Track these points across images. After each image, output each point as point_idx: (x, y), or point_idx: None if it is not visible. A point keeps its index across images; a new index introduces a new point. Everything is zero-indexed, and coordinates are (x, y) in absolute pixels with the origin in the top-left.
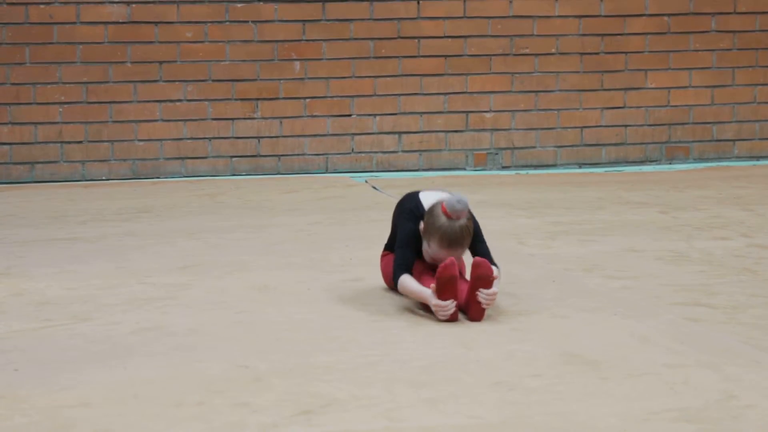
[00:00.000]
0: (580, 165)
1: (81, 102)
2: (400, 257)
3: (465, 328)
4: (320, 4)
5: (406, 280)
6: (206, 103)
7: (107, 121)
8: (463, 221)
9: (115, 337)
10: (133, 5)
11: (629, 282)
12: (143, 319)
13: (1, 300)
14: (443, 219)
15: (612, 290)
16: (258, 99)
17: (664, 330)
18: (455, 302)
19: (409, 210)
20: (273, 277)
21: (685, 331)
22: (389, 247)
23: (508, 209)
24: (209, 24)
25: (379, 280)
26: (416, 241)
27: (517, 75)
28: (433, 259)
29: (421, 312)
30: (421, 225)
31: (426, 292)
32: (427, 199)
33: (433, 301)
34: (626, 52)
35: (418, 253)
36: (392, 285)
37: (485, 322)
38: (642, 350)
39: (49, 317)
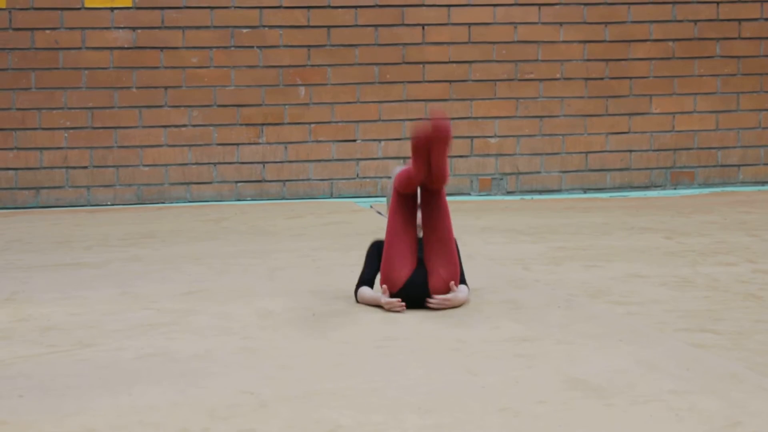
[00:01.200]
0: (585, 190)
1: (86, 127)
2: (361, 275)
3: (470, 354)
4: (325, 29)
5: (363, 292)
6: (211, 128)
7: (112, 147)
8: None
9: (120, 363)
10: (139, 31)
11: (634, 308)
12: (148, 344)
13: (6, 325)
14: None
15: (617, 316)
16: (263, 124)
17: (669, 356)
18: (402, 304)
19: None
20: (278, 303)
21: (690, 357)
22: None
23: (512, 234)
24: (214, 49)
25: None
26: (377, 255)
27: (521, 100)
28: (410, 176)
29: (427, 338)
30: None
31: (378, 296)
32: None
33: (383, 300)
34: (631, 78)
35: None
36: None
37: (490, 348)
38: (647, 376)
39: (54, 343)
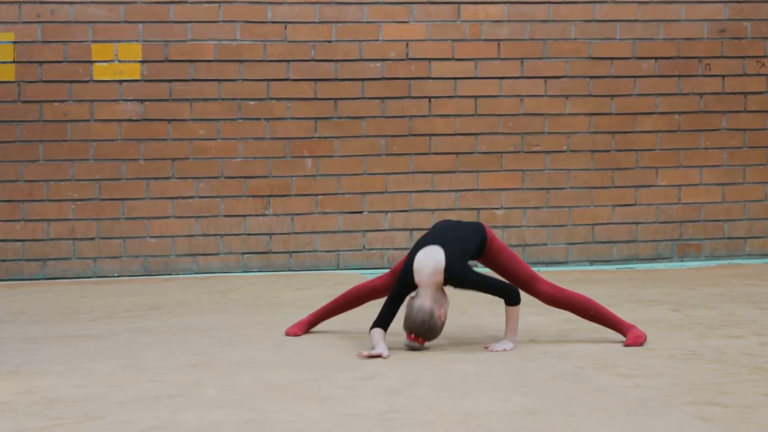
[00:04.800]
0: (592, 262)
1: (93, 199)
2: (382, 311)
3: (477, 427)
4: (332, 101)
5: (373, 334)
6: (218, 199)
7: (119, 218)
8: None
9: None
10: (147, 103)
11: (642, 380)
12: (154, 417)
13: (11, 398)
14: (405, 337)
15: (624, 389)
16: (270, 196)
17: (676, 429)
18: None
19: (403, 271)
20: (284, 375)
21: (697, 430)
22: None
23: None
24: (222, 121)
25: (390, 378)
26: (400, 299)
27: (528, 172)
28: None
29: (433, 410)
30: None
31: (377, 347)
32: (419, 264)
33: (375, 352)
34: (637, 150)
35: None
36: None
37: (497, 421)
38: None
39: (59, 415)
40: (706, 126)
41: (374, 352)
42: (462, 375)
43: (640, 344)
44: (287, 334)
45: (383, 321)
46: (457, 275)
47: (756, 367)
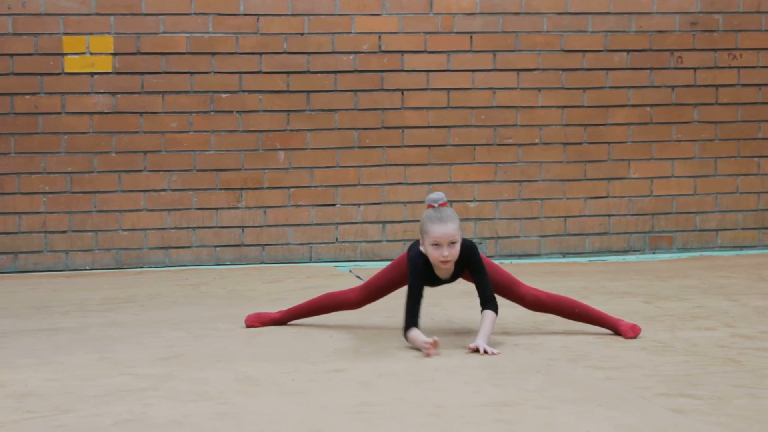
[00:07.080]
0: (564, 254)
1: (65, 192)
2: (410, 311)
3: (450, 420)
4: (304, 94)
5: (413, 334)
6: (190, 192)
7: (91, 211)
8: (445, 208)
9: (98, 429)
10: (119, 95)
11: (613, 372)
12: (126, 410)
13: None
14: (429, 211)
15: (596, 381)
16: (242, 189)
17: (648, 421)
18: (437, 343)
19: (411, 258)
20: (256, 368)
21: (669, 422)
22: None
23: None
24: (194, 114)
25: (362, 371)
26: (422, 281)
27: (500, 165)
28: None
29: (406, 403)
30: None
31: (423, 340)
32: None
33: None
34: (609, 143)
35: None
36: None
37: (470, 413)
38: None
39: (30, 409)
40: (677, 118)
41: (429, 342)
42: (434, 367)
43: (639, 333)
44: (246, 321)
45: (415, 320)
46: (471, 246)
47: (727, 359)
